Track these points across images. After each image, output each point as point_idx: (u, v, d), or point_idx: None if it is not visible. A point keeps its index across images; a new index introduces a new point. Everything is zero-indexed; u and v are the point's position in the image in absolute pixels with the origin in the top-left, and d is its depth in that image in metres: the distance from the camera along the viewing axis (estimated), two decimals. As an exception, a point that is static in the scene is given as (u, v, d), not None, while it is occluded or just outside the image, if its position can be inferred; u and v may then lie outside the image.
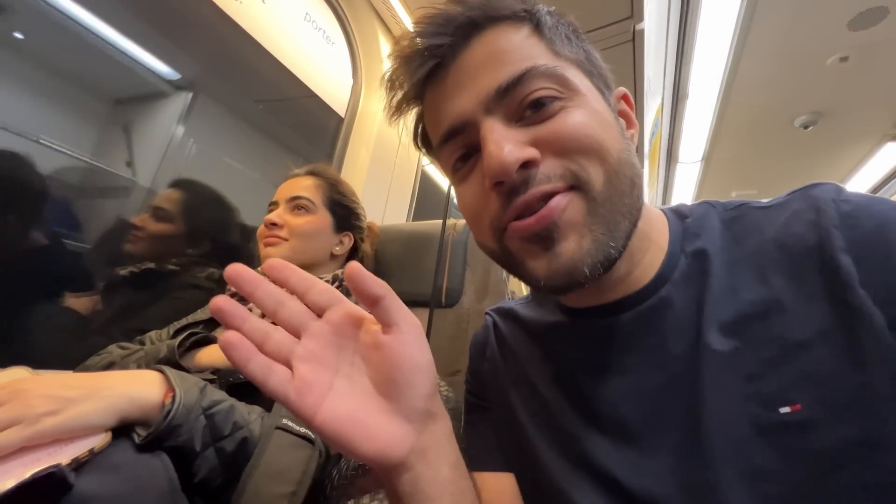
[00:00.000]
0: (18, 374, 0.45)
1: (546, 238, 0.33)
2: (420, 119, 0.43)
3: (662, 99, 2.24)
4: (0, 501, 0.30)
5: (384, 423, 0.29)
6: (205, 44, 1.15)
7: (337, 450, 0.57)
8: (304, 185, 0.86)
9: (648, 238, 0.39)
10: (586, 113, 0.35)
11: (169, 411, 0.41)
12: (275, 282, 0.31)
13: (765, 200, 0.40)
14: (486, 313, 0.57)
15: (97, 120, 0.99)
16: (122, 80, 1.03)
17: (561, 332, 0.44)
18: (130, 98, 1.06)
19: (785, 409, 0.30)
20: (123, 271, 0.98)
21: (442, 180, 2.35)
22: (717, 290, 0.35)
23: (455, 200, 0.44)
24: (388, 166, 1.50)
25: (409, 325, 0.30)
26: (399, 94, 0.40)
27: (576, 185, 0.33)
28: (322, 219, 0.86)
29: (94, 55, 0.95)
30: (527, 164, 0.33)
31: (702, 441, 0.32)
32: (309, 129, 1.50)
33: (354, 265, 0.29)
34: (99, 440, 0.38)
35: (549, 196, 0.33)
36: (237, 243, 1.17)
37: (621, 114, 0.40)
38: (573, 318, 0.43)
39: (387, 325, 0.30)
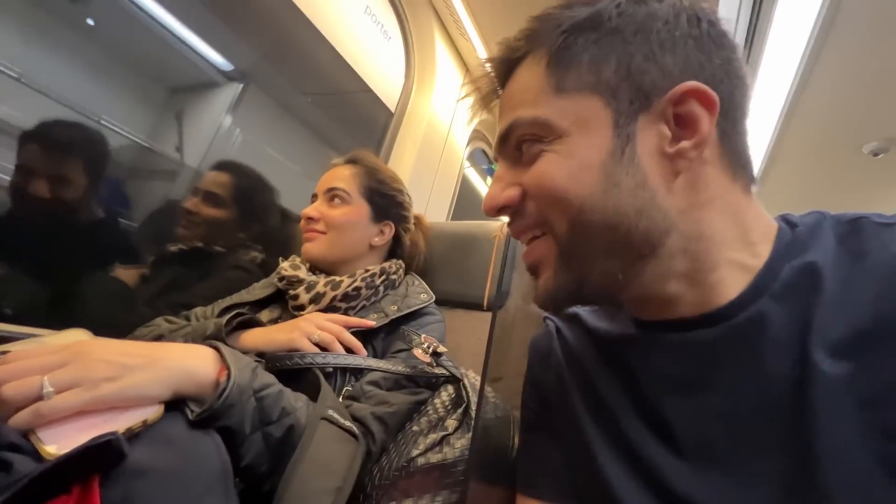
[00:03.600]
0: (78, 336, 0.44)
1: (533, 271, 0.40)
2: None
3: (719, 115, 2.13)
4: (54, 465, 0.29)
5: None
6: (263, 32, 1.17)
7: (378, 448, 0.55)
8: (341, 176, 0.84)
9: (709, 254, 0.35)
10: (557, 160, 0.35)
11: (224, 389, 0.39)
12: None
13: (887, 216, 0.36)
14: (547, 318, 0.53)
15: (154, 106, 1.02)
16: (179, 69, 1.06)
17: (635, 344, 0.41)
18: (186, 87, 1.09)
19: None
20: (173, 247, 1.00)
21: (480, 184, 2.33)
22: (828, 307, 0.31)
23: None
24: (432, 165, 1.48)
25: None
26: (476, 97, 0.43)
27: (548, 229, 0.37)
28: (358, 209, 0.83)
29: (157, 44, 0.99)
30: (505, 207, 0.38)
31: (816, 473, 0.28)
32: (355, 123, 1.51)
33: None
34: (152, 412, 0.37)
35: (528, 231, 0.39)
36: (280, 227, 1.18)
37: (678, 118, 0.34)
38: (648, 331, 0.40)
39: None
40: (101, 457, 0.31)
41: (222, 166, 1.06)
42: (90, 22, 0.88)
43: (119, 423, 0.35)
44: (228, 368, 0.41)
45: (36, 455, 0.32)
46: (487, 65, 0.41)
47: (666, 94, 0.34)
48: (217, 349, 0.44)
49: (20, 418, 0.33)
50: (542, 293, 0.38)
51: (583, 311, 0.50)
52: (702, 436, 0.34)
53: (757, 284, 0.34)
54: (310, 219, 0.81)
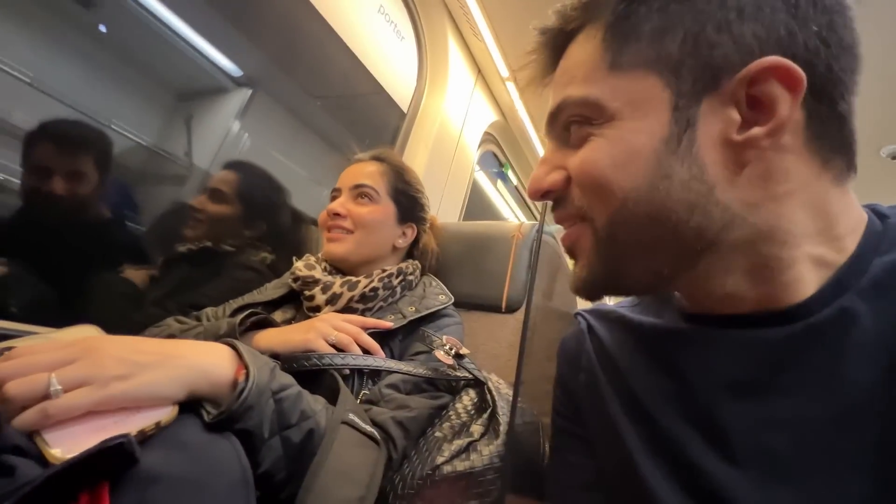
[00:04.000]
0: (88, 333, 0.42)
1: (571, 253, 0.38)
2: None
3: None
4: (60, 470, 0.27)
5: None
6: (273, 35, 1.16)
7: (399, 455, 0.52)
8: (367, 172, 0.81)
9: (784, 251, 0.31)
10: (604, 146, 0.33)
11: (242, 390, 0.36)
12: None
13: None
14: (578, 314, 0.50)
15: (164, 111, 1.02)
16: (189, 75, 1.07)
17: (685, 341, 0.37)
18: (195, 92, 1.10)
19: None
20: (182, 248, 0.98)
21: (490, 188, 2.31)
22: None
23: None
24: (444, 166, 1.46)
25: None
26: (528, 73, 0.41)
27: (585, 218, 0.35)
28: (386, 209, 0.80)
29: (168, 49, 0.99)
30: (548, 192, 0.37)
31: None
32: (365, 127, 1.50)
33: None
34: (166, 413, 0.35)
35: (569, 219, 0.37)
36: (290, 226, 1.16)
37: (752, 100, 0.30)
38: (703, 326, 0.36)
39: None
40: (110, 461, 0.28)
41: (229, 165, 1.05)
42: (102, 28, 0.88)
43: (130, 425, 0.32)
44: (247, 367, 0.38)
45: (41, 459, 0.29)
46: (541, 36, 0.38)
47: (739, 72, 0.29)
48: (234, 347, 0.41)
49: (25, 418, 0.30)
50: (576, 281, 0.37)
51: (620, 306, 0.47)
52: (765, 444, 0.30)
53: (840, 280, 0.31)
54: (336, 215, 0.77)
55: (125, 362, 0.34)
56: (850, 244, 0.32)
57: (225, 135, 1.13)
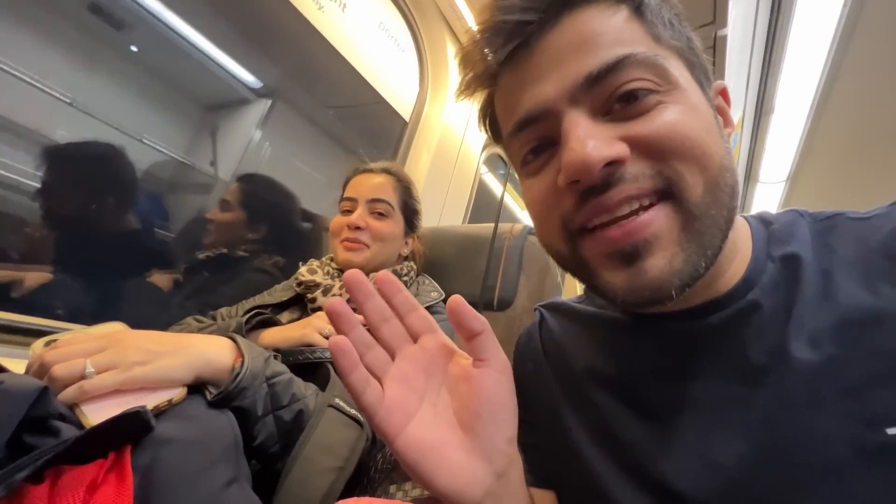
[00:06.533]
0: (116, 328, 0.50)
1: (632, 254, 0.30)
2: (490, 102, 0.40)
3: (744, 112, 2.08)
4: (93, 433, 0.34)
5: (464, 460, 0.28)
6: (287, 52, 1.24)
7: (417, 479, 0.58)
8: (383, 187, 0.87)
9: (735, 245, 0.36)
10: (687, 111, 0.31)
11: (238, 374, 0.44)
12: (382, 295, 0.31)
13: (861, 211, 0.36)
14: (536, 308, 0.54)
15: (191, 124, 1.11)
16: (213, 89, 1.14)
17: (624, 331, 0.42)
18: (219, 105, 1.18)
19: (893, 431, 0.26)
20: (202, 255, 1.08)
21: (497, 187, 2.35)
22: (808, 298, 0.32)
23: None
24: (447, 171, 1.52)
25: (501, 362, 0.30)
26: (472, 73, 0.37)
27: (668, 193, 0.30)
28: (398, 223, 0.88)
29: (193, 66, 1.07)
30: (613, 163, 0.30)
31: (780, 460, 0.29)
32: (374, 133, 1.57)
33: (457, 299, 0.29)
34: (177, 393, 0.42)
35: (635, 199, 0.30)
36: (299, 230, 1.24)
37: (719, 110, 0.36)
38: (640, 319, 0.41)
39: (479, 359, 0.30)
40: (131, 427, 0.36)
41: (239, 178, 1.13)
42: (133, 48, 0.98)
43: (149, 401, 0.40)
44: (243, 356, 0.46)
45: (80, 425, 0.37)
46: (530, 3, 0.33)
47: (713, 83, 0.36)
48: (234, 339, 0.49)
49: (67, 394, 0.38)
50: (664, 275, 0.30)
51: (572, 300, 0.51)
52: (682, 422, 0.35)
53: (749, 275, 0.35)
54: (357, 228, 0.83)
55: (144, 351, 0.42)
56: (747, 247, 0.37)
57: (247, 143, 1.21)
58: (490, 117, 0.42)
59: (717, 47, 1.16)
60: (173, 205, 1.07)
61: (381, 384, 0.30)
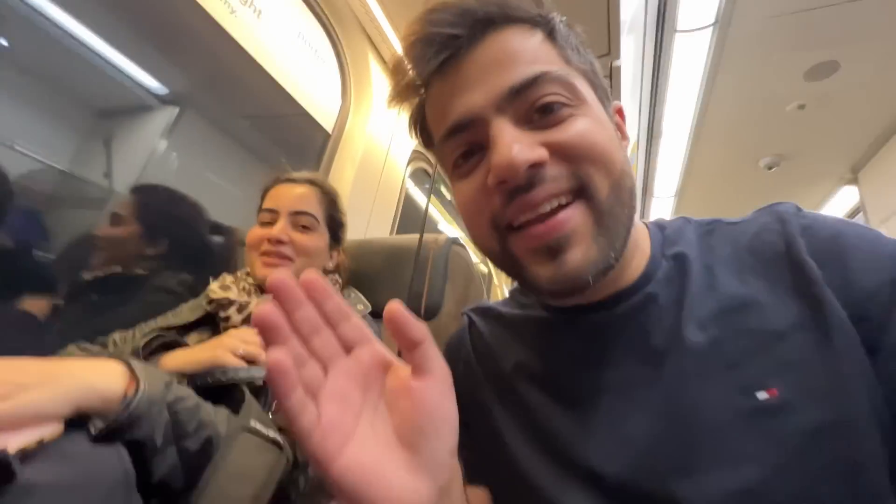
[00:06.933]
0: (-32, 361, 0.42)
1: (554, 248, 0.34)
2: (421, 110, 0.42)
3: (638, 135, 2.35)
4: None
5: (407, 480, 0.26)
6: (196, 57, 1.16)
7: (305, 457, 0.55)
8: (308, 199, 0.82)
9: (636, 244, 0.41)
10: (593, 122, 0.36)
11: (130, 401, 0.39)
12: (312, 301, 0.27)
13: (733, 218, 0.44)
14: (464, 313, 0.56)
15: (78, 130, 0.98)
16: (108, 93, 1.02)
17: (546, 327, 0.45)
18: (115, 110, 1.05)
19: (763, 395, 0.31)
20: (89, 276, 0.94)
21: (422, 200, 2.38)
22: (696, 289, 0.38)
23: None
24: (372, 183, 1.51)
25: (443, 372, 0.28)
26: (404, 81, 0.40)
27: (581, 192, 0.35)
28: (323, 236, 0.84)
29: (81, 66, 0.95)
30: (535, 166, 0.34)
31: (678, 427, 0.33)
32: (295, 145, 1.51)
33: (396, 306, 0.26)
34: (49, 430, 0.36)
35: (554, 197, 0.34)
36: (209, 245, 1.14)
37: (617, 126, 0.42)
38: (558, 315, 0.44)
39: (420, 371, 0.27)
40: (-13, 476, 0.30)
41: (133, 189, 1.01)
42: (3, 42, 0.84)
43: (11, 443, 0.34)
44: (138, 381, 0.41)
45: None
46: (458, 20, 0.36)
47: (611, 104, 0.41)
48: (127, 363, 0.43)
49: None
50: (581, 266, 0.34)
51: (497, 303, 0.54)
52: (598, 405, 0.38)
53: (647, 271, 0.41)
54: (279, 242, 0.77)
55: (5, 384, 0.36)
56: (646, 247, 0.43)
57: (150, 153, 1.09)
58: (420, 124, 0.44)
59: (612, 76, 1.31)
60: (56, 221, 0.93)
61: (314, 403, 0.26)
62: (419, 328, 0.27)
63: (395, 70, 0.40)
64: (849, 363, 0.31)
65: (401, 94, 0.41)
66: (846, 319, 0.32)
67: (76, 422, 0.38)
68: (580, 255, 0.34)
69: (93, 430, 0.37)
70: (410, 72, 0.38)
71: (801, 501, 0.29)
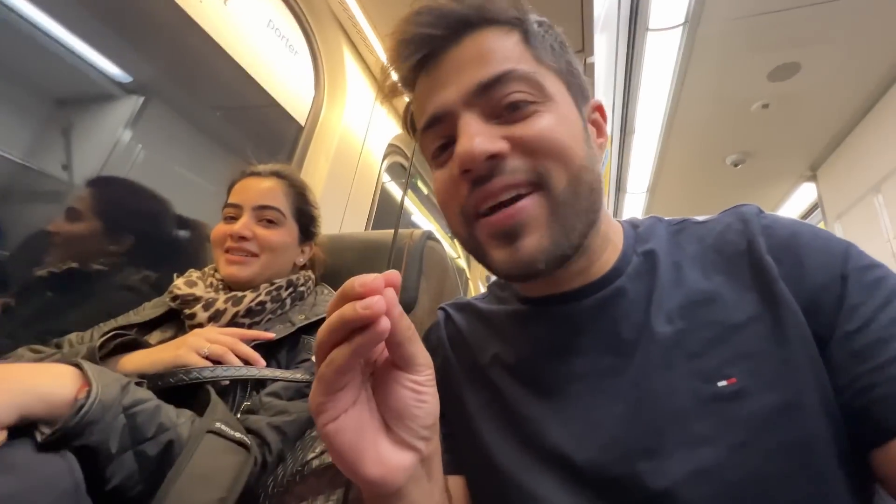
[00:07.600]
0: None
1: (510, 234, 0.37)
2: (410, 104, 0.46)
3: (612, 131, 2.39)
4: None
5: (390, 451, 0.29)
6: (161, 45, 1.10)
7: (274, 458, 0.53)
8: (273, 192, 0.79)
9: (608, 238, 0.43)
10: (556, 118, 0.38)
11: (81, 406, 0.37)
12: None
13: (701, 217, 0.47)
14: (440, 308, 0.56)
15: (34, 119, 0.91)
16: (66, 80, 0.96)
17: (520, 319, 0.46)
18: (74, 99, 0.99)
19: (722, 383, 0.34)
20: (42, 272, 0.89)
21: (400, 194, 2.36)
22: (664, 284, 0.40)
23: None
24: (347, 177, 1.48)
25: (426, 362, 0.30)
26: (391, 80, 0.43)
27: (539, 185, 0.37)
28: (291, 231, 0.81)
29: (38, 52, 0.89)
30: (495, 157, 0.36)
31: (644, 413, 0.35)
32: (267, 137, 1.47)
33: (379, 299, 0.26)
34: (-9, 439, 0.34)
35: (513, 188, 0.36)
36: (174, 240, 1.09)
37: (594, 123, 0.43)
38: (533, 306, 0.46)
39: (407, 364, 0.29)
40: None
41: (90, 181, 0.95)
42: None
43: (-53, 454, 0.32)
44: (90, 384, 0.39)
45: None
46: (436, 21, 0.38)
47: (589, 101, 0.43)
48: (78, 366, 0.41)
49: None
50: (534, 252, 0.36)
51: (474, 298, 0.55)
52: (568, 393, 0.40)
53: (618, 266, 0.42)
54: (241, 238, 0.74)
55: None
56: (619, 243, 0.44)
57: (114, 145, 1.03)
58: (411, 119, 0.47)
59: (586, 73, 1.32)
60: (9, 216, 0.87)
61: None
62: (408, 328, 0.28)
63: (383, 70, 0.43)
64: (800, 352, 0.33)
65: (391, 90, 0.44)
66: (799, 312, 0.34)
67: (22, 429, 0.36)
68: (534, 242, 0.36)
69: (38, 438, 0.35)
70: (397, 69, 0.41)
71: (755, 478, 0.31)
